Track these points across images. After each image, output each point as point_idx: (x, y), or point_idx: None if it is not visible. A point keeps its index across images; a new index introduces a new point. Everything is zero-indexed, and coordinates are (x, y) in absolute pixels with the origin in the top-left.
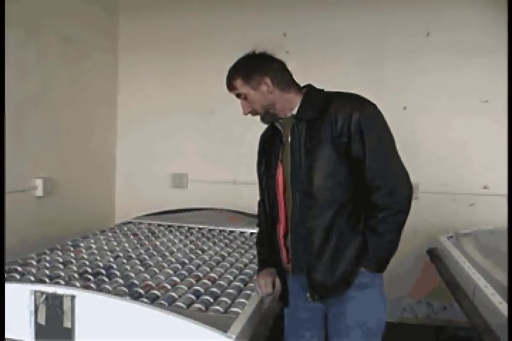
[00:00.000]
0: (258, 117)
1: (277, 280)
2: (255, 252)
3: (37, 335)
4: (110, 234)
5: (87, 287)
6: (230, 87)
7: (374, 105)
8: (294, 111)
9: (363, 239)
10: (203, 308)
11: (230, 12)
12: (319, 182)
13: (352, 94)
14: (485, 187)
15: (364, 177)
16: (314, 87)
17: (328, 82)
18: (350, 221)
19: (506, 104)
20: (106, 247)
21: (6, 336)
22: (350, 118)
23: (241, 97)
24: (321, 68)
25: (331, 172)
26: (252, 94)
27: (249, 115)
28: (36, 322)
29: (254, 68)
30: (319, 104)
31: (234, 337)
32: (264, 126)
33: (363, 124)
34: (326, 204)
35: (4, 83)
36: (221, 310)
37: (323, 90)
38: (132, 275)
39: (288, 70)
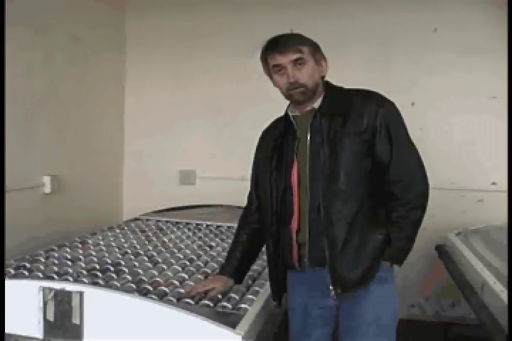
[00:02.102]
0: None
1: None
2: (263, 249)
3: (45, 331)
4: (118, 231)
5: (95, 283)
6: (295, 49)
7: (394, 103)
8: (315, 105)
9: (386, 232)
10: (212, 305)
11: (237, 10)
12: (344, 175)
13: (373, 92)
14: (493, 183)
15: (387, 171)
16: (332, 84)
17: (335, 79)
18: (373, 213)
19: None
20: (114, 244)
21: (15, 332)
22: (375, 114)
23: (295, 64)
24: (328, 65)
25: (357, 164)
26: (312, 66)
27: (287, 86)
28: (45, 319)
29: (319, 48)
30: (344, 99)
31: (242, 333)
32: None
33: (389, 121)
34: (350, 196)
35: (4, 83)
36: (229, 306)
37: (342, 87)
38: (140, 271)
39: None
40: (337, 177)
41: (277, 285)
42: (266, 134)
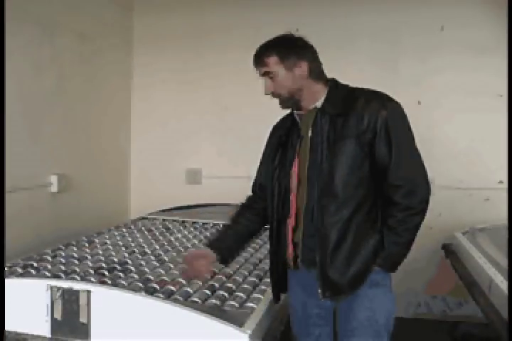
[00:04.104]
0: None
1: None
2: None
3: (53, 330)
4: (125, 230)
5: (102, 282)
6: (260, 63)
7: (399, 104)
8: (318, 104)
9: (380, 238)
10: (218, 303)
11: (244, 8)
12: (341, 178)
13: (378, 92)
14: (500, 182)
15: (386, 175)
16: (339, 82)
17: (341, 78)
18: (368, 218)
19: None
20: (121, 243)
21: (22, 331)
22: (377, 115)
23: (267, 76)
24: (334, 63)
25: (354, 168)
26: (283, 75)
27: (269, 96)
28: (52, 317)
29: (294, 49)
30: (346, 99)
31: (249, 332)
32: (278, 118)
33: (390, 123)
34: (345, 200)
35: (4, 83)
36: (236, 305)
37: (348, 85)
38: (147, 270)
39: (320, 61)
40: (333, 179)
41: (275, 281)
42: (275, 130)
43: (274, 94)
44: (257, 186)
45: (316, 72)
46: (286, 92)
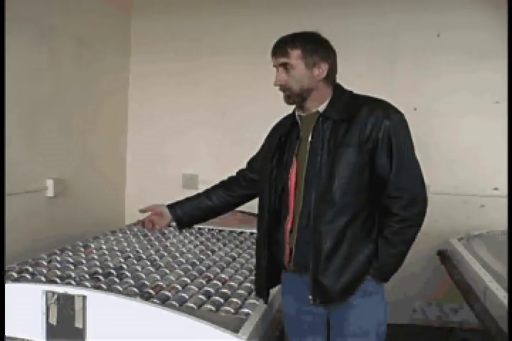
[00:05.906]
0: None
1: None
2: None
3: (48, 335)
4: (120, 235)
5: (97, 287)
6: (282, 53)
7: (402, 114)
8: (320, 108)
9: (375, 247)
10: (214, 309)
11: (242, 10)
12: (339, 186)
13: (382, 101)
14: (495, 189)
15: (386, 186)
16: (343, 87)
17: (338, 80)
18: (364, 227)
19: None
20: (116, 248)
21: (18, 336)
22: (380, 125)
23: (283, 67)
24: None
25: (354, 176)
26: (300, 71)
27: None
28: (47, 322)
29: (319, 49)
30: (349, 105)
31: (245, 337)
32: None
33: (392, 134)
34: (342, 208)
35: (4, 83)
36: (232, 310)
37: (351, 92)
38: (143, 275)
39: (337, 67)
40: (331, 186)
41: (259, 281)
42: (276, 128)
43: (284, 88)
44: (248, 172)
45: (331, 77)
46: (297, 88)
